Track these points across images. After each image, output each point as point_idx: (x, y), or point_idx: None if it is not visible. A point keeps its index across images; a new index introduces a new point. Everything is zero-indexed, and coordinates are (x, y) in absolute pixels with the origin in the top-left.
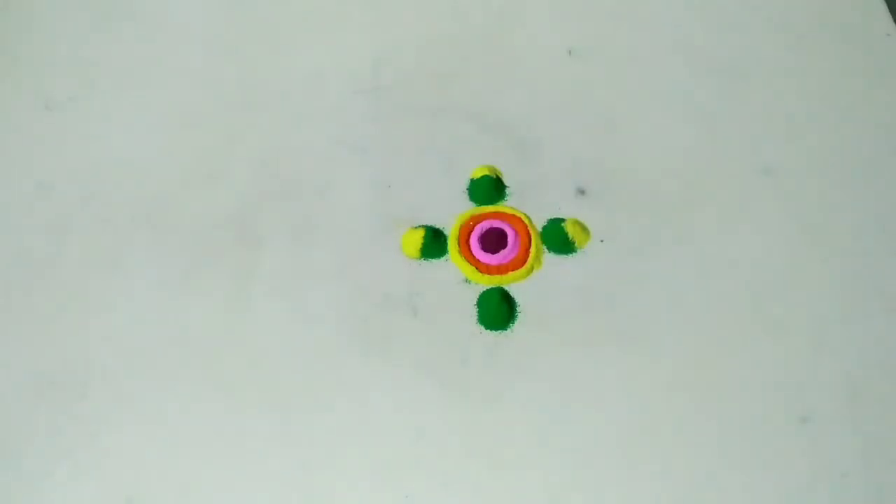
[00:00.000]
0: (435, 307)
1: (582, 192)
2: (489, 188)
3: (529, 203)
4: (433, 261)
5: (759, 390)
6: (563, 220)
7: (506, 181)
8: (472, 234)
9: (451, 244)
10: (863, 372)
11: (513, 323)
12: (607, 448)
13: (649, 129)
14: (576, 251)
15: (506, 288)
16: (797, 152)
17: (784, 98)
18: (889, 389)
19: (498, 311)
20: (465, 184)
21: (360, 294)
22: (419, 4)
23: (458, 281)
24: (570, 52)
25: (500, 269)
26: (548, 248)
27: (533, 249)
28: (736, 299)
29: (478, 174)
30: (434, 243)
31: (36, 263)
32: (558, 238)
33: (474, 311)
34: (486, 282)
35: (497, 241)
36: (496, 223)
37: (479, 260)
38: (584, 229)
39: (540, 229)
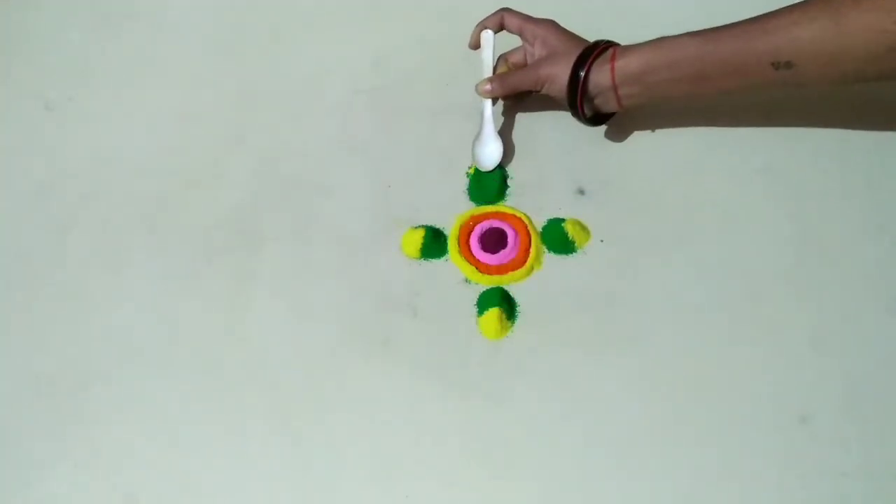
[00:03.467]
0: (435, 307)
1: (582, 192)
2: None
3: (529, 203)
4: (433, 261)
5: (759, 390)
6: (563, 220)
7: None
8: (472, 234)
9: (451, 244)
10: (862, 372)
11: (514, 320)
12: (607, 447)
13: (649, 129)
14: (576, 251)
15: (506, 288)
16: (797, 152)
17: (784, 97)
18: (888, 389)
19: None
20: (465, 184)
21: (360, 294)
22: (419, 4)
23: (458, 281)
24: None
25: (500, 269)
26: (548, 248)
27: (533, 249)
28: (735, 299)
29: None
30: (434, 243)
31: (36, 263)
32: (558, 238)
33: (474, 311)
34: (486, 282)
35: (497, 241)
36: (496, 223)
37: (479, 260)
38: (584, 229)
39: (540, 229)
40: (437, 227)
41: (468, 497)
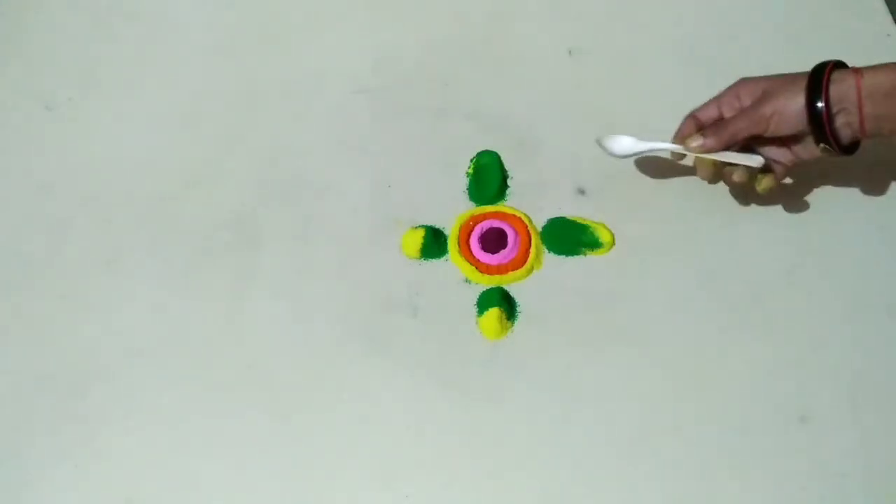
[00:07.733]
0: (435, 307)
1: (582, 192)
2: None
3: (529, 203)
4: (433, 261)
5: (759, 390)
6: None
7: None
8: (472, 234)
9: (451, 244)
10: (862, 372)
11: (514, 320)
12: (607, 447)
13: (649, 129)
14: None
15: (506, 288)
16: None
17: None
18: (888, 389)
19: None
20: (465, 184)
21: (360, 294)
22: (419, 5)
23: (458, 281)
24: (570, 52)
25: (500, 269)
26: (548, 249)
27: (533, 249)
28: (736, 299)
29: None
30: (434, 243)
31: (36, 263)
32: (558, 238)
33: (474, 311)
34: (486, 282)
35: (497, 241)
36: (496, 223)
37: (479, 260)
38: None
39: (540, 229)
40: (437, 227)
41: (468, 497)
